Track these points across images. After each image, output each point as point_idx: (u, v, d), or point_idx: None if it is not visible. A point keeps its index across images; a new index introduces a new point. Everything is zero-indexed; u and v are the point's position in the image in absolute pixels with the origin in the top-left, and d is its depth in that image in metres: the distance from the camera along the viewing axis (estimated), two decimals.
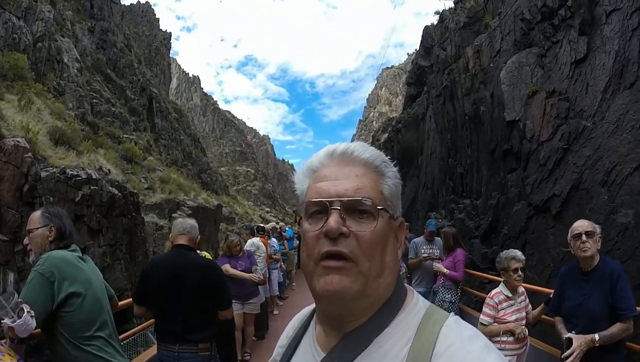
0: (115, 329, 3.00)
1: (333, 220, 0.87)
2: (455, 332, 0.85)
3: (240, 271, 6.89)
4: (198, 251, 5.61)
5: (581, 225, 3.61)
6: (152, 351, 4.71)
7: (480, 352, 0.82)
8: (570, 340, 3.41)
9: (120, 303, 3.86)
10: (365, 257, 0.87)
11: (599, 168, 6.79)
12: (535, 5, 9.35)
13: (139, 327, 4.93)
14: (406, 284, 1.01)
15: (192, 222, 4.11)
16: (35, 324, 2.32)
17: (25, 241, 2.96)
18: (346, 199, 0.89)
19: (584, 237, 3.49)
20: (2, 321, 2.23)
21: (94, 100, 27.22)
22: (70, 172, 11.65)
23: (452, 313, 0.93)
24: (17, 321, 2.19)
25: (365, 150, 0.97)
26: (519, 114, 9.16)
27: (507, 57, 10.09)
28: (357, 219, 0.89)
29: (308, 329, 1.09)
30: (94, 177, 12.38)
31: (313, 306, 1.12)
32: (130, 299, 4.31)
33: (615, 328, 3.25)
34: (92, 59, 32.28)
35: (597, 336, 3.20)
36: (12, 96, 15.29)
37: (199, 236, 4.18)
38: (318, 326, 1.03)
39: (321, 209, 0.91)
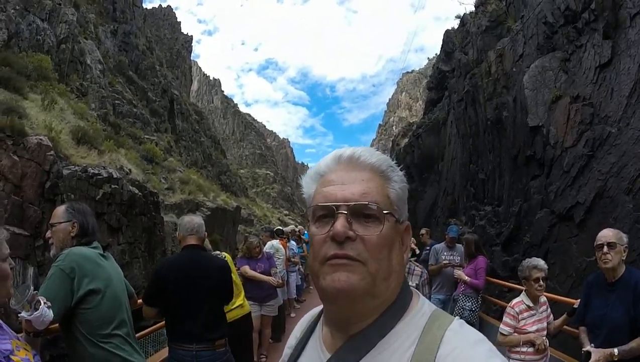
0: (133, 327, 3.00)
1: (340, 224, 0.88)
2: (460, 336, 0.86)
3: (260, 272, 6.91)
4: (218, 252, 5.64)
5: (605, 235, 3.52)
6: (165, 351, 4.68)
7: (484, 356, 0.83)
8: (588, 354, 3.34)
9: (139, 301, 3.81)
10: (373, 260, 0.88)
11: (624, 176, 6.60)
12: (558, 8, 9.17)
13: (157, 326, 4.90)
14: (413, 289, 1.02)
15: (199, 220, 4.12)
16: (52, 316, 2.30)
17: (48, 234, 2.97)
18: (352, 203, 0.91)
19: (605, 248, 3.42)
20: (19, 314, 2.20)
21: (116, 101, 27.67)
22: (92, 171, 11.87)
23: (456, 317, 0.93)
24: (34, 313, 2.18)
25: (372, 155, 0.98)
26: (542, 119, 9.00)
27: (530, 61, 9.92)
28: (363, 223, 0.91)
29: (315, 330, 1.10)
30: (114, 176, 12.58)
31: (320, 307, 1.14)
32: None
33: (635, 343, 3.15)
34: (114, 61, 32.87)
35: (616, 350, 3.12)
36: (36, 96, 15.62)
37: (206, 233, 4.21)
38: (325, 327, 1.05)
39: (328, 213, 0.92)
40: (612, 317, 3.34)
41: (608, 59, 7.46)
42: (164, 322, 4.68)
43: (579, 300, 4.09)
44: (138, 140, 25.55)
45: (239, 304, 5.36)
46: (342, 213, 0.90)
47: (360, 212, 0.91)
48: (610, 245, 3.41)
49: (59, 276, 2.60)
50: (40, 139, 9.55)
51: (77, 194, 10.58)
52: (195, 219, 4.08)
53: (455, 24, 20.56)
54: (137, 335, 3.41)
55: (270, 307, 7.30)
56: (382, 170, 0.97)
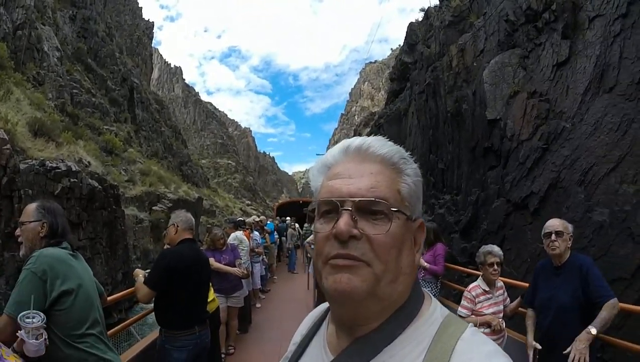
0: (105, 325, 3.01)
1: (343, 222, 0.81)
2: (473, 347, 0.79)
3: (224, 264, 6.89)
4: None
5: (552, 224, 3.79)
6: (140, 345, 4.78)
7: None
8: (536, 350, 3.71)
9: (111, 298, 3.98)
10: (379, 261, 0.81)
11: (577, 168, 7.04)
12: (519, 7, 9.58)
13: (129, 321, 4.99)
14: (426, 292, 0.94)
15: (191, 216, 4.40)
16: (44, 352, 2.32)
17: (17, 232, 2.89)
18: (358, 199, 0.84)
19: (553, 236, 3.69)
20: (19, 331, 2.22)
21: (74, 91, 26.77)
22: (50, 165, 11.49)
23: (470, 324, 0.85)
24: (33, 341, 2.20)
25: (383, 146, 0.90)
26: (500, 113, 9.40)
27: (490, 57, 10.32)
28: (370, 220, 0.84)
29: (320, 328, 1.05)
30: (73, 169, 12.18)
31: (325, 305, 1.10)
32: (118, 295, 4.59)
33: (604, 312, 3.38)
34: (72, 48, 31.69)
35: (592, 329, 3.31)
36: None
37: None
38: (330, 325, 0.99)
39: (332, 209, 0.86)
40: (559, 299, 3.64)
41: (565, 57, 7.90)
42: (135, 317, 4.90)
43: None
44: (97, 131, 24.91)
45: (213, 298, 5.51)
46: (346, 210, 0.83)
47: (366, 209, 0.84)
48: (558, 233, 3.69)
49: (30, 280, 2.55)
50: None
51: (35, 189, 10.25)
52: (190, 216, 4.36)
53: (419, 16, 20.86)
54: (109, 332, 3.52)
55: (236, 299, 7.31)
56: (393, 162, 0.89)
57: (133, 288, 4.22)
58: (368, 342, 0.86)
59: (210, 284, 5.14)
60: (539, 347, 3.74)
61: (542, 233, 3.80)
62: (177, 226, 4.17)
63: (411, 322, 0.86)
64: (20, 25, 21.51)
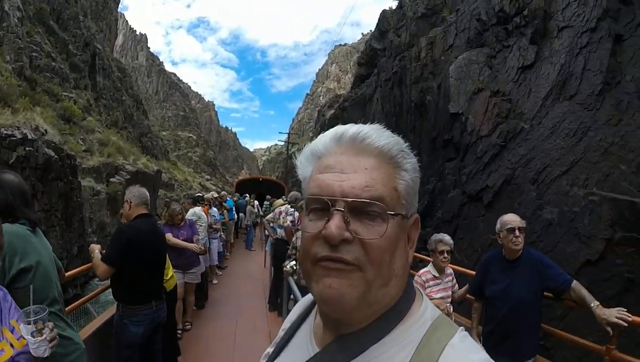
0: (63, 303, 2.91)
1: (334, 224, 0.75)
2: (460, 354, 0.75)
3: (182, 240, 6.86)
4: None
5: (515, 219, 3.85)
6: (98, 321, 4.81)
7: None
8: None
9: (69, 274, 3.87)
10: (372, 266, 0.76)
11: (531, 167, 7.42)
12: (492, 8, 9.86)
13: (87, 297, 4.96)
14: (418, 289, 0.90)
15: (145, 190, 4.38)
16: (46, 354, 2.08)
17: None
18: (351, 199, 0.76)
19: (517, 232, 3.74)
20: (21, 324, 2.00)
21: (34, 54, 25.52)
22: (4, 132, 11.08)
23: (460, 328, 0.81)
24: (30, 338, 1.97)
25: (380, 136, 0.82)
26: (462, 107, 9.73)
27: (458, 52, 10.61)
28: (364, 222, 0.77)
29: (308, 317, 1.02)
30: (29, 137, 11.75)
31: None
32: (76, 271, 4.44)
33: (582, 290, 3.56)
34: (34, 8, 29.78)
35: (594, 303, 3.44)
36: None
37: None
38: (318, 316, 0.94)
39: (322, 208, 0.79)
40: (516, 292, 3.73)
41: (531, 62, 8.25)
42: (92, 293, 4.93)
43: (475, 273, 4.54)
44: (55, 97, 23.76)
45: (171, 275, 5.57)
46: (338, 210, 0.76)
47: (360, 210, 0.77)
48: (521, 229, 3.77)
49: None
50: None
51: None
52: (144, 190, 4.32)
53: (393, 4, 20.86)
54: (67, 308, 3.46)
55: (193, 275, 7.28)
56: (391, 156, 0.82)
57: (90, 264, 4.07)
58: (354, 340, 0.82)
59: (169, 261, 5.21)
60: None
61: (503, 227, 3.82)
62: (131, 202, 4.13)
63: (399, 322, 0.82)
64: None
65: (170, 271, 5.52)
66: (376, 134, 0.82)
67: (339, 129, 0.85)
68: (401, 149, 0.83)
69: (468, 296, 4.71)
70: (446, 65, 10.84)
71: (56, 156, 13.14)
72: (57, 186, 13.38)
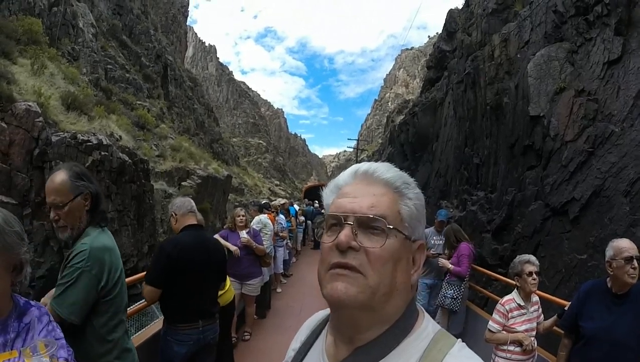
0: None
1: (344, 234, 0.91)
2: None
3: (240, 246, 6.71)
4: None
5: (631, 247, 3.28)
6: (147, 333, 4.61)
7: None
8: None
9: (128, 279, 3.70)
10: (374, 273, 0.89)
11: (623, 177, 6.52)
12: None
13: (134, 309, 4.74)
14: (419, 307, 1.02)
15: (189, 199, 4.15)
16: None
17: (53, 215, 2.45)
18: (359, 215, 0.93)
19: (635, 263, 3.19)
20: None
21: (108, 66, 27.00)
22: (81, 138, 11.56)
23: (459, 340, 0.94)
24: None
25: (387, 171, 1.01)
26: (544, 109, 8.84)
27: (535, 49, 9.69)
28: (369, 235, 0.92)
29: (320, 336, 1.11)
30: (104, 143, 12.28)
31: (326, 311, 1.17)
32: (139, 275, 4.26)
33: None
34: (107, 25, 31.99)
35: None
36: (25, 60, 15.15)
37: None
38: (329, 336, 1.05)
39: (337, 223, 0.95)
40: (619, 331, 3.16)
41: (618, 55, 7.28)
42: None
43: (569, 303, 3.92)
44: (130, 106, 24.95)
45: (228, 287, 5.34)
46: (348, 224, 0.92)
47: (366, 224, 0.93)
48: (638, 259, 3.21)
49: (85, 280, 2.32)
50: (29, 105, 9.33)
51: (66, 160, 10.16)
52: (185, 199, 4.11)
53: (459, 3, 20.24)
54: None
55: (251, 287, 7.07)
56: (396, 186, 0.99)
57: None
58: (365, 354, 0.93)
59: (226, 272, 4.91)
60: None
61: (618, 255, 3.25)
62: (176, 214, 3.92)
63: (406, 336, 0.93)
64: (55, 1, 21.76)
65: (227, 283, 5.29)
66: (384, 168, 1.02)
67: (355, 166, 1.06)
68: (405, 181, 1.01)
69: (556, 328, 4.16)
70: (523, 64, 9.97)
71: (130, 160, 13.98)
72: (130, 188, 14.13)
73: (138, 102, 27.16)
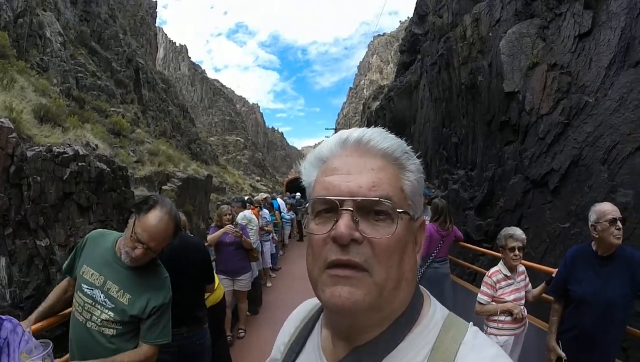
0: None
1: (343, 224, 0.74)
2: (475, 353, 0.75)
3: (228, 243, 6.69)
4: None
5: (614, 209, 3.38)
6: None
7: None
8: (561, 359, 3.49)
9: None
10: (381, 267, 0.75)
11: (600, 145, 6.70)
12: None
13: None
14: (424, 291, 0.90)
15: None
16: None
17: (140, 252, 2.44)
18: (360, 198, 0.76)
19: (619, 224, 3.29)
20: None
21: (79, 75, 26.44)
22: (57, 150, 11.22)
23: (470, 323, 0.83)
24: None
25: (384, 139, 0.83)
26: (518, 85, 9.02)
27: (507, 27, 9.84)
28: (372, 221, 0.77)
29: (313, 331, 0.99)
30: (81, 153, 11.91)
31: (314, 301, 1.06)
32: None
33: None
34: (75, 32, 31.20)
35: None
36: None
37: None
38: (324, 329, 0.93)
39: (330, 208, 0.79)
40: (609, 293, 3.29)
41: (588, 29, 7.45)
42: None
43: (556, 270, 4.05)
44: (104, 113, 24.53)
45: (217, 286, 5.25)
46: (346, 210, 0.76)
47: (369, 209, 0.77)
48: (621, 220, 3.32)
49: (167, 309, 2.62)
50: (1, 122, 9.04)
51: (43, 175, 10.01)
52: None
53: None
54: None
55: (243, 283, 7.04)
56: (396, 158, 0.83)
57: None
58: (368, 353, 0.81)
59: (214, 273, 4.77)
60: (564, 357, 3.47)
61: (602, 218, 3.34)
62: None
63: (412, 327, 0.81)
64: (21, 13, 21.13)
65: (216, 283, 5.14)
66: (380, 136, 0.83)
67: (342, 133, 0.86)
68: (405, 150, 0.84)
69: (545, 295, 4.32)
70: (495, 42, 10.12)
71: (108, 169, 13.63)
72: (111, 197, 13.77)
73: (112, 109, 26.71)
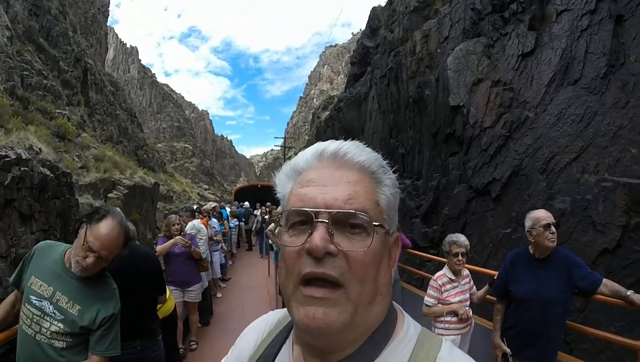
0: None
1: (319, 236, 0.73)
2: None
3: (178, 253, 6.52)
4: None
5: (549, 215, 3.68)
6: None
7: None
8: (506, 355, 3.73)
9: None
10: (356, 282, 0.74)
11: (539, 156, 7.20)
12: None
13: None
14: (397, 307, 0.90)
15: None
16: None
17: (91, 261, 2.46)
18: (336, 210, 0.75)
19: (553, 228, 3.58)
20: None
21: (25, 72, 25.07)
22: None
23: (444, 338, 0.83)
24: None
25: (361, 152, 0.83)
26: (463, 99, 9.51)
27: (454, 44, 10.37)
28: (347, 234, 0.76)
29: (283, 347, 0.95)
30: (24, 157, 11.15)
31: (279, 313, 1.05)
32: None
33: (615, 284, 3.43)
34: (23, 27, 29.52)
35: (629, 292, 3.33)
36: None
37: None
38: (296, 346, 0.90)
39: (305, 220, 0.78)
40: (546, 292, 3.54)
41: (531, 48, 8.02)
42: None
43: (498, 272, 4.30)
44: (49, 115, 23.28)
45: (168, 297, 5.17)
46: (321, 222, 0.74)
47: (344, 222, 0.76)
48: (555, 225, 3.61)
49: (116, 321, 2.62)
50: None
51: None
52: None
53: (383, 1, 20.80)
54: None
55: (193, 294, 6.89)
56: (372, 171, 0.83)
57: None
58: None
59: (165, 283, 4.71)
60: (509, 352, 3.72)
61: (537, 224, 3.64)
62: None
63: (387, 342, 0.81)
64: None
65: (167, 294, 5.06)
66: (357, 149, 0.83)
67: (319, 145, 0.86)
68: (381, 164, 0.85)
69: (489, 296, 4.55)
70: (443, 58, 10.62)
71: (52, 175, 12.75)
72: (55, 204, 12.91)
73: (57, 111, 25.39)
